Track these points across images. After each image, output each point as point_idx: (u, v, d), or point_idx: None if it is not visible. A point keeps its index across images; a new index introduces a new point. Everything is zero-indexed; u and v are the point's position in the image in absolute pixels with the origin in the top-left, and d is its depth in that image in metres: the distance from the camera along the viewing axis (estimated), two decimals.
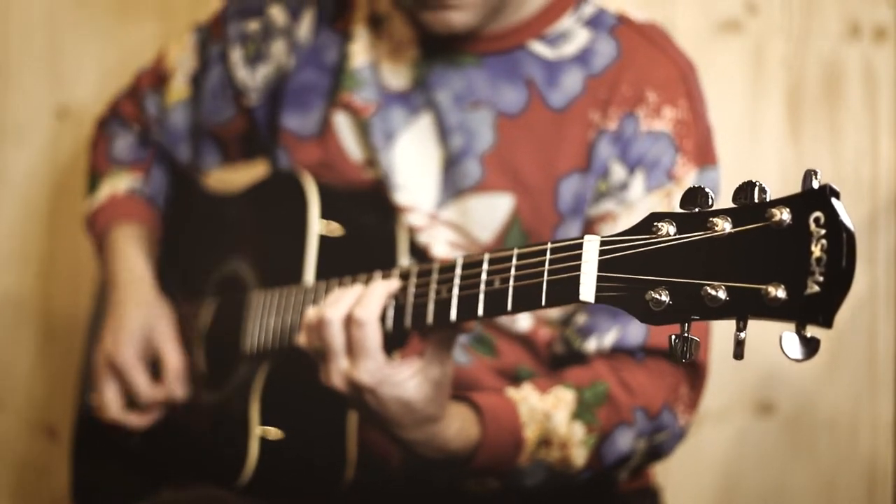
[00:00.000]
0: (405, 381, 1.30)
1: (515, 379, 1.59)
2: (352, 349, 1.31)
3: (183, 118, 1.85)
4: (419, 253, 1.61)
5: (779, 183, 2.18)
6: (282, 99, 1.72)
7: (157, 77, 1.88)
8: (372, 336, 1.29)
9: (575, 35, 1.60)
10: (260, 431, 1.54)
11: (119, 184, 1.88)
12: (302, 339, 1.38)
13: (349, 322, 1.31)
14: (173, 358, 1.71)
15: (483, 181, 1.59)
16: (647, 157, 1.54)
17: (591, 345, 1.53)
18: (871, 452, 2.17)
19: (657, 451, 1.55)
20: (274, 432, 1.54)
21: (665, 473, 1.99)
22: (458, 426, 1.37)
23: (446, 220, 1.61)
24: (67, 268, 2.35)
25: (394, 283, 1.32)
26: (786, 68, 2.17)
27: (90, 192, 1.91)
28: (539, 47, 1.61)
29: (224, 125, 1.83)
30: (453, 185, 1.61)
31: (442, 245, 1.61)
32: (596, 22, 1.61)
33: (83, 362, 1.96)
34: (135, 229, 1.84)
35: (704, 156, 1.57)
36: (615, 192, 1.55)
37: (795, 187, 2.38)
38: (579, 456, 1.46)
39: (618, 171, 1.55)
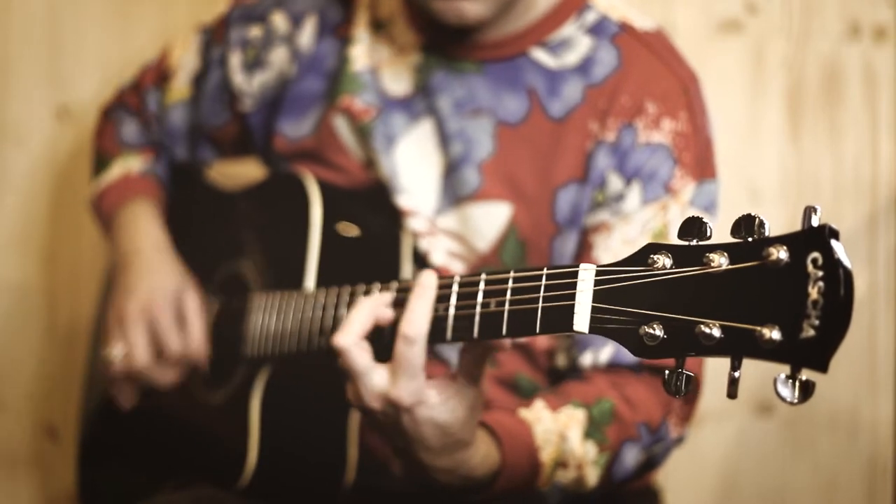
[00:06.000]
0: (442, 402, 1.25)
1: (515, 388, 1.59)
2: (396, 366, 1.24)
3: (181, 118, 1.85)
4: (419, 259, 1.61)
5: (778, 183, 2.18)
6: (280, 106, 1.71)
7: (159, 74, 1.88)
8: (420, 354, 1.23)
9: (577, 43, 1.58)
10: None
11: (132, 165, 1.87)
12: None
13: (398, 338, 1.24)
14: (198, 323, 1.66)
15: (481, 189, 1.58)
16: (644, 169, 1.53)
17: (586, 359, 1.52)
18: (871, 452, 2.17)
19: (651, 463, 1.54)
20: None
21: (665, 473, 1.99)
22: (484, 452, 1.32)
23: (445, 227, 1.61)
24: (69, 268, 2.35)
25: (433, 292, 1.25)
26: (786, 68, 2.17)
27: (98, 174, 1.90)
28: (541, 55, 1.59)
29: (219, 129, 1.83)
30: (452, 193, 1.60)
31: (441, 254, 1.60)
32: (598, 29, 1.59)
33: (88, 362, 1.96)
34: (152, 206, 1.82)
35: (703, 169, 1.55)
36: (611, 203, 1.54)
37: (795, 188, 2.37)
38: (592, 475, 1.44)
39: (614, 182, 1.54)
